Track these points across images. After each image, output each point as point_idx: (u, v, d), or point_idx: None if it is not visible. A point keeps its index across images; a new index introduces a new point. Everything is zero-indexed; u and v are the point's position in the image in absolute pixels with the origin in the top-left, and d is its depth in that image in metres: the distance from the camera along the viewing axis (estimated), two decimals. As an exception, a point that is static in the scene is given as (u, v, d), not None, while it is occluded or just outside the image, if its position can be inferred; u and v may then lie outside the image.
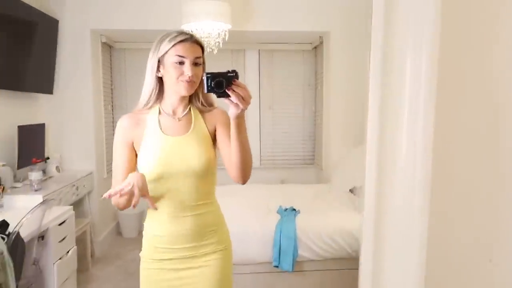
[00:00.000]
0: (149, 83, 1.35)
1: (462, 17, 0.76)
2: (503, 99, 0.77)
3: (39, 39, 3.17)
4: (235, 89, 1.15)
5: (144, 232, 1.44)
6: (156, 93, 1.35)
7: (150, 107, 1.37)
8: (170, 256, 1.36)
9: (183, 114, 1.38)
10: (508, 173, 0.73)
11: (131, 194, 1.19)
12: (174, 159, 1.32)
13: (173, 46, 1.27)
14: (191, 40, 1.30)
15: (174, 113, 1.38)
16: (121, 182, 1.24)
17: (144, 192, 1.23)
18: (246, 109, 1.18)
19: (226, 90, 1.16)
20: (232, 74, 1.16)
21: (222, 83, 1.15)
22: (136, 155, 1.37)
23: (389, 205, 0.70)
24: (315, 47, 4.35)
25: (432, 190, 0.65)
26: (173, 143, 1.34)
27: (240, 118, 1.21)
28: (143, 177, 1.25)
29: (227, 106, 1.20)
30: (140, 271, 1.44)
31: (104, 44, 3.87)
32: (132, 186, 1.19)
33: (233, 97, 1.15)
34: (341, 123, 3.94)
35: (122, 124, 1.38)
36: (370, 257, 0.73)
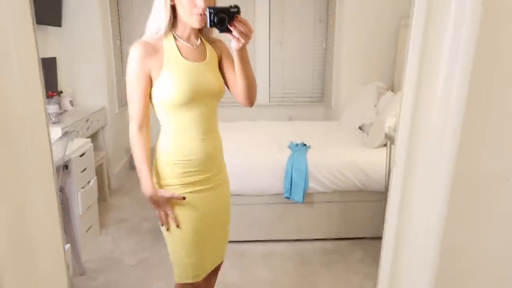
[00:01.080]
0: (162, 12, 1.33)
1: None
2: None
3: (44, -32, 3.06)
4: (237, 25, 1.20)
5: (163, 162, 1.43)
6: (171, 21, 1.35)
7: (163, 35, 1.36)
8: (199, 177, 1.44)
9: (198, 42, 1.42)
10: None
11: (165, 215, 1.41)
12: (199, 84, 1.36)
13: None
14: None
15: (188, 40, 1.40)
16: (138, 116, 1.37)
17: (165, 203, 1.40)
18: (248, 43, 1.26)
19: (228, 26, 1.20)
20: (234, 10, 1.20)
21: (225, 19, 1.20)
22: (151, 86, 1.37)
23: (422, 134, 0.73)
24: (329, -20, 4.18)
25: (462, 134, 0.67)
26: (197, 69, 1.38)
27: (242, 51, 1.30)
28: (156, 195, 1.38)
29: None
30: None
31: (110, -26, 3.74)
32: (161, 211, 1.40)
33: (235, 32, 1.21)
34: (351, 61, 3.90)
35: (139, 52, 1.32)
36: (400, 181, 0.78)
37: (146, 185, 1.38)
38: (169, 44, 1.36)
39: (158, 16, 1.34)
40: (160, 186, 1.44)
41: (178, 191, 1.41)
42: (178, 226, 1.42)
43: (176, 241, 1.47)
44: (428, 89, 0.66)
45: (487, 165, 0.75)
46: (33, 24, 0.60)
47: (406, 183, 0.75)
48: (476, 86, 0.66)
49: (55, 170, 0.68)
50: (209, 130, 1.43)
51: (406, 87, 0.68)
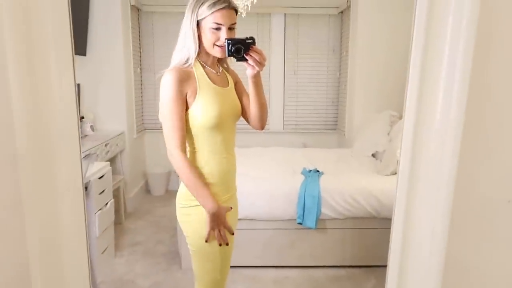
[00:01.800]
0: (191, 42, 1.43)
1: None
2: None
3: (72, 1, 3.25)
4: (252, 54, 1.37)
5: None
6: (198, 51, 1.46)
7: (191, 63, 1.46)
8: (225, 197, 1.53)
9: (221, 70, 1.55)
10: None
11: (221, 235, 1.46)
12: (227, 107, 1.48)
13: (212, 13, 1.37)
14: (228, 7, 1.39)
15: (213, 67, 1.51)
16: (180, 141, 1.39)
17: (225, 218, 1.46)
18: (262, 70, 1.41)
19: (244, 55, 1.36)
20: (250, 41, 1.37)
21: (241, 49, 1.36)
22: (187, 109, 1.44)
23: (423, 159, 0.78)
24: (341, 12, 4.32)
25: (461, 153, 0.72)
26: (224, 93, 1.49)
27: (256, 77, 1.45)
28: (219, 210, 1.43)
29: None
30: (204, 222, 1.46)
31: (132, 7, 3.94)
32: (220, 227, 1.45)
33: (250, 61, 1.37)
34: (364, 90, 3.97)
35: (176, 77, 1.38)
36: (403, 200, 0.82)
37: (210, 200, 1.41)
38: (199, 70, 1.46)
39: (188, 46, 1.43)
40: (190, 207, 1.49)
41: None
42: (227, 243, 1.48)
43: (212, 257, 1.51)
44: (428, 114, 0.71)
45: (488, 187, 0.79)
46: (73, 54, 0.69)
47: (409, 204, 0.79)
48: (472, 111, 0.71)
49: (84, 185, 0.75)
50: (232, 150, 1.55)
51: (407, 113, 0.74)
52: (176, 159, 1.40)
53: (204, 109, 1.42)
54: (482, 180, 0.79)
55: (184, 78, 1.41)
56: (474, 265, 0.78)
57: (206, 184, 1.44)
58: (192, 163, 1.48)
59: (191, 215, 1.49)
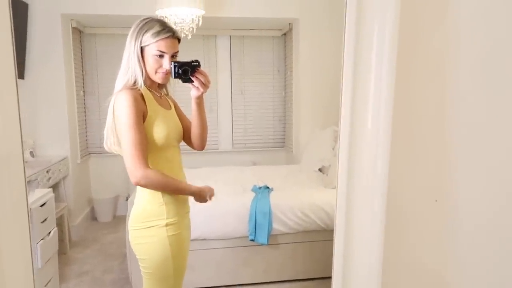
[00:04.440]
0: (135, 66, 1.44)
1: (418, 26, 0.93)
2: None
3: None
4: (198, 76, 1.44)
5: (162, 204, 1.48)
6: (144, 77, 1.47)
7: (139, 86, 1.47)
8: (186, 210, 1.60)
9: (163, 94, 1.60)
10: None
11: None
12: (173, 129, 1.51)
13: (156, 41, 1.41)
14: (172, 36, 1.44)
15: (156, 91, 1.55)
16: (145, 159, 1.37)
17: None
18: (206, 92, 1.49)
19: (190, 77, 1.43)
20: (195, 64, 1.44)
21: (188, 71, 1.42)
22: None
23: (357, 178, 0.85)
24: (285, 34, 4.50)
25: (390, 181, 0.80)
26: (169, 116, 1.52)
27: (200, 99, 1.53)
28: (202, 188, 1.55)
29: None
30: (166, 242, 1.47)
31: (74, 29, 3.85)
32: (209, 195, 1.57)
33: (196, 82, 1.44)
34: (309, 107, 4.14)
35: (132, 96, 1.37)
36: (343, 220, 0.89)
37: (191, 187, 1.52)
38: (146, 93, 1.47)
39: (133, 69, 1.44)
40: (148, 228, 1.48)
41: (174, 231, 1.50)
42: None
43: (166, 277, 1.51)
44: (360, 126, 0.78)
45: (416, 189, 0.87)
46: (16, 78, 0.69)
47: (348, 212, 0.85)
48: (399, 122, 0.80)
49: (29, 210, 0.74)
50: (181, 169, 1.59)
51: (342, 127, 0.80)
52: (150, 176, 1.38)
53: (154, 130, 1.43)
54: (411, 182, 0.87)
55: (138, 98, 1.41)
56: (408, 263, 0.85)
57: (177, 180, 1.50)
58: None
59: (146, 237, 1.48)
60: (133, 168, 1.36)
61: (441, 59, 0.95)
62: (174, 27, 3.05)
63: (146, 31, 1.41)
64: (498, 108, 0.99)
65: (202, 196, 1.55)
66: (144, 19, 1.45)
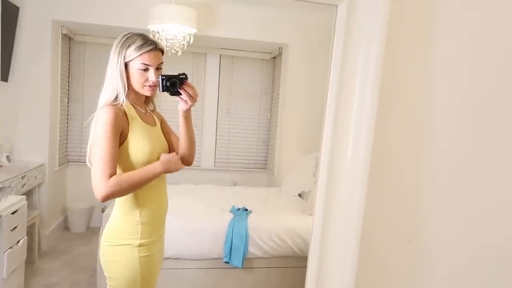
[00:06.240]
0: (118, 82, 1.43)
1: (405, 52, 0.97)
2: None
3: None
4: (186, 89, 1.43)
5: (138, 223, 1.45)
6: (127, 92, 1.46)
7: (122, 102, 1.45)
8: (161, 232, 1.56)
9: (149, 110, 1.58)
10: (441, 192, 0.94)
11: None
12: (157, 146, 1.49)
13: (140, 55, 1.41)
14: (155, 49, 1.44)
15: (141, 107, 1.53)
16: (113, 171, 1.31)
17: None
18: (193, 105, 1.47)
19: (179, 89, 1.42)
20: (183, 76, 1.44)
21: (176, 83, 1.41)
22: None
23: (334, 206, 0.86)
24: (274, 57, 4.57)
25: (366, 204, 0.82)
26: (154, 132, 1.51)
27: (188, 112, 1.51)
28: (168, 156, 1.44)
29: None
30: (137, 262, 1.44)
31: (64, 35, 3.83)
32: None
33: (183, 95, 1.43)
34: (293, 131, 4.18)
35: (113, 112, 1.35)
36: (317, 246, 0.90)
37: (156, 167, 1.39)
38: (130, 110, 1.45)
39: (115, 85, 1.43)
40: (120, 246, 1.45)
41: (146, 252, 1.47)
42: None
43: None
44: (340, 156, 0.80)
45: (390, 228, 0.89)
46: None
47: (323, 244, 0.86)
48: (377, 158, 0.82)
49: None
50: (164, 189, 1.57)
51: (322, 157, 0.82)
52: (111, 184, 1.30)
53: (137, 147, 1.42)
54: (386, 222, 0.89)
55: (121, 115, 1.39)
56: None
57: (143, 168, 1.40)
58: (124, 202, 1.46)
59: (117, 255, 1.45)
60: (95, 182, 1.31)
61: (420, 98, 0.98)
62: (165, 43, 3.06)
63: (128, 46, 1.41)
64: (474, 152, 1.02)
65: (171, 163, 1.43)
66: (125, 35, 1.44)
